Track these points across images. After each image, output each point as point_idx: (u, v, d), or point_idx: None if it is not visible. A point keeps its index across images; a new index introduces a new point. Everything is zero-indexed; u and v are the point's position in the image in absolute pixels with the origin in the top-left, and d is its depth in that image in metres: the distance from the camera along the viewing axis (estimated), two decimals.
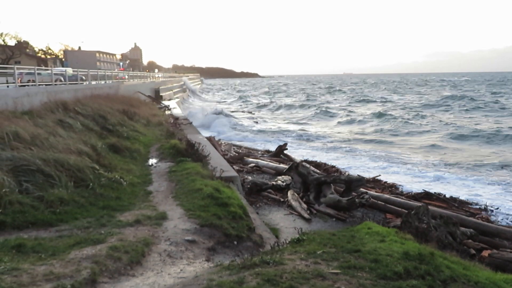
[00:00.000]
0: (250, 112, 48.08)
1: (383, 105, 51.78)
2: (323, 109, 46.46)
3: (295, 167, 12.16)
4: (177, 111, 30.47)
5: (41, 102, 15.84)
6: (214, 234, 6.15)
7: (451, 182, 14.94)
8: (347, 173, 14.85)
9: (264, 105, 57.54)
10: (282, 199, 11.20)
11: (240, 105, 60.10)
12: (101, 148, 10.59)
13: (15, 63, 49.99)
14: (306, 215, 9.86)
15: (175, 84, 62.75)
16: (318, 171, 14.12)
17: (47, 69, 24.24)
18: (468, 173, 16.52)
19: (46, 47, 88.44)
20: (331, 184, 11.34)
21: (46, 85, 19.60)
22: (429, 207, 8.72)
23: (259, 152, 20.12)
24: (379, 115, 38.16)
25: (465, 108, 44.90)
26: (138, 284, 4.33)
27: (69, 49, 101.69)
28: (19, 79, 18.49)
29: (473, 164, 18.08)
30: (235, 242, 6.18)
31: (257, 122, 36.84)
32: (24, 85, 18.28)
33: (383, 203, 10.90)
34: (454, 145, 23.91)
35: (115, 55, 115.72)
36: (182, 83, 73.83)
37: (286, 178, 12.70)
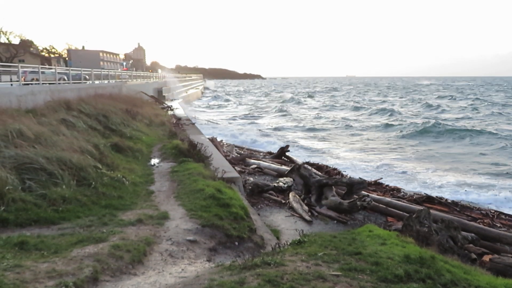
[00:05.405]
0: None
1: None
2: None
3: (297, 169, 12.16)
4: (179, 111, 30.53)
5: (45, 100, 15.92)
6: (216, 234, 6.17)
7: None
8: (348, 176, 14.84)
9: None
10: (283, 201, 11.21)
11: None
12: (103, 147, 10.62)
13: (19, 62, 50.22)
14: (307, 217, 9.87)
15: (178, 85, 62.87)
16: (319, 173, 14.11)
17: (51, 68, 24.34)
18: None
19: (50, 46, 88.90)
20: (333, 187, 11.34)
21: (49, 83, 19.70)
22: (431, 211, 8.71)
23: (261, 154, 20.13)
24: None
25: None
26: (139, 283, 4.35)
27: (73, 48, 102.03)
28: (23, 77, 18.58)
29: None
30: (236, 243, 6.19)
31: None
32: (28, 84, 18.38)
33: (385, 206, 10.90)
34: None
35: (118, 55, 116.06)
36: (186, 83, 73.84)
37: (288, 180, 12.71)
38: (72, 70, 24.84)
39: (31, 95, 15.70)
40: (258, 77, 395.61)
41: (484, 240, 8.79)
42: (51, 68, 24.17)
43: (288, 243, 5.56)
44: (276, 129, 34.91)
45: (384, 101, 70.17)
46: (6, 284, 3.78)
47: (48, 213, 6.25)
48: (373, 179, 14.74)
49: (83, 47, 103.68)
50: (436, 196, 12.36)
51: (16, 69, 18.33)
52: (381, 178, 14.98)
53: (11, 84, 17.82)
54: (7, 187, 6.36)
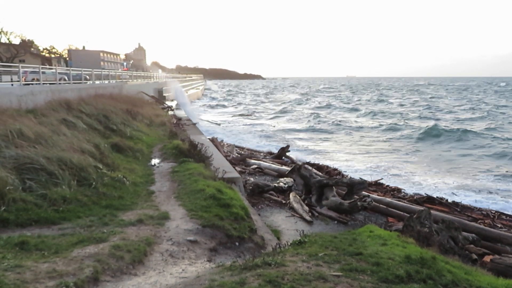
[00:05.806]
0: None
1: None
2: None
3: (298, 169, 12.16)
4: (180, 111, 30.53)
5: (45, 100, 15.91)
6: (216, 234, 6.16)
7: None
8: (349, 176, 14.84)
9: None
10: (284, 201, 11.21)
11: None
12: (104, 147, 10.62)
13: (20, 62, 50.23)
14: (307, 218, 9.86)
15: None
16: (320, 173, 14.12)
17: (52, 68, 24.35)
18: None
19: (51, 46, 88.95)
20: (333, 187, 11.34)
21: (50, 83, 19.70)
22: (431, 211, 8.70)
23: (261, 154, 20.15)
24: None
25: None
26: (140, 283, 4.35)
27: (74, 48, 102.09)
28: (24, 77, 18.59)
29: None
30: (237, 243, 6.19)
31: None
32: (29, 84, 18.38)
33: (385, 207, 10.90)
34: None
35: (119, 55, 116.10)
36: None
37: (288, 180, 12.71)
38: (72, 70, 24.82)
39: (32, 95, 15.70)
40: (259, 77, 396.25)
41: (485, 241, 8.79)
42: (51, 68, 24.16)
43: (289, 244, 5.56)
44: (276, 129, 34.96)
45: (383, 102, 70.40)
46: (7, 284, 3.77)
47: (49, 213, 6.25)
48: (373, 180, 14.73)
49: (83, 47, 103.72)
50: (437, 197, 12.35)
51: (17, 69, 18.34)
52: (382, 179, 14.98)
53: (12, 84, 17.81)
54: (7, 187, 6.36)
